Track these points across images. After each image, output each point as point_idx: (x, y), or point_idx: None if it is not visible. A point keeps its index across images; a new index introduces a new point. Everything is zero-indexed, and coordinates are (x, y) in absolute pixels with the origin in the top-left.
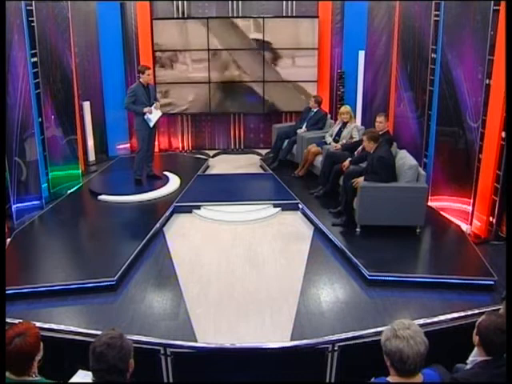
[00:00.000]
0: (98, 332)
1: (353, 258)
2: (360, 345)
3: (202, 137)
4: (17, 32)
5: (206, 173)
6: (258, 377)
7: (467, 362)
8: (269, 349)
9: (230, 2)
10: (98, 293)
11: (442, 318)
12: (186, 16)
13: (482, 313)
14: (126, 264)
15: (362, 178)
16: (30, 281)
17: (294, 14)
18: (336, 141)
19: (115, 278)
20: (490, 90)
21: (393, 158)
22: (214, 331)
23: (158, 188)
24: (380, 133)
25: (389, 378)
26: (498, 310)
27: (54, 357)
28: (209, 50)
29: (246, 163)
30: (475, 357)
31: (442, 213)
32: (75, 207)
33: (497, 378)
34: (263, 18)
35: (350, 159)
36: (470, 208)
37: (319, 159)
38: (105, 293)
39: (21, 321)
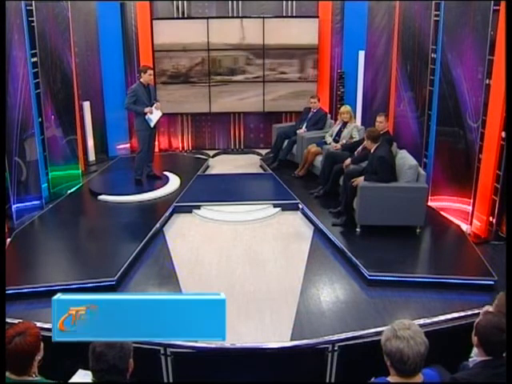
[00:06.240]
0: None
1: (353, 257)
2: (360, 345)
3: (202, 137)
4: (17, 32)
5: (206, 173)
6: (258, 377)
7: (468, 362)
8: (269, 349)
9: (229, 2)
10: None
11: (441, 318)
12: (186, 16)
13: None
14: (126, 264)
15: (361, 178)
16: (29, 281)
17: (294, 14)
18: (336, 141)
19: (115, 277)
20: (490, 90)
21: (393, 157)
22: None
23: (158, 188)
24: (380, 133)
25: (389, 378)
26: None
27: (54, 357)
28: (209, 49)
29: (246, 163)
30: (475, 357)
31: (442, 213)
32: (75, 207)
33: (497, 378)
34: (263, 18)
35: (350, 158)
36: (470, 208)
37: (319, 159)
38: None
39: (21, 321)
